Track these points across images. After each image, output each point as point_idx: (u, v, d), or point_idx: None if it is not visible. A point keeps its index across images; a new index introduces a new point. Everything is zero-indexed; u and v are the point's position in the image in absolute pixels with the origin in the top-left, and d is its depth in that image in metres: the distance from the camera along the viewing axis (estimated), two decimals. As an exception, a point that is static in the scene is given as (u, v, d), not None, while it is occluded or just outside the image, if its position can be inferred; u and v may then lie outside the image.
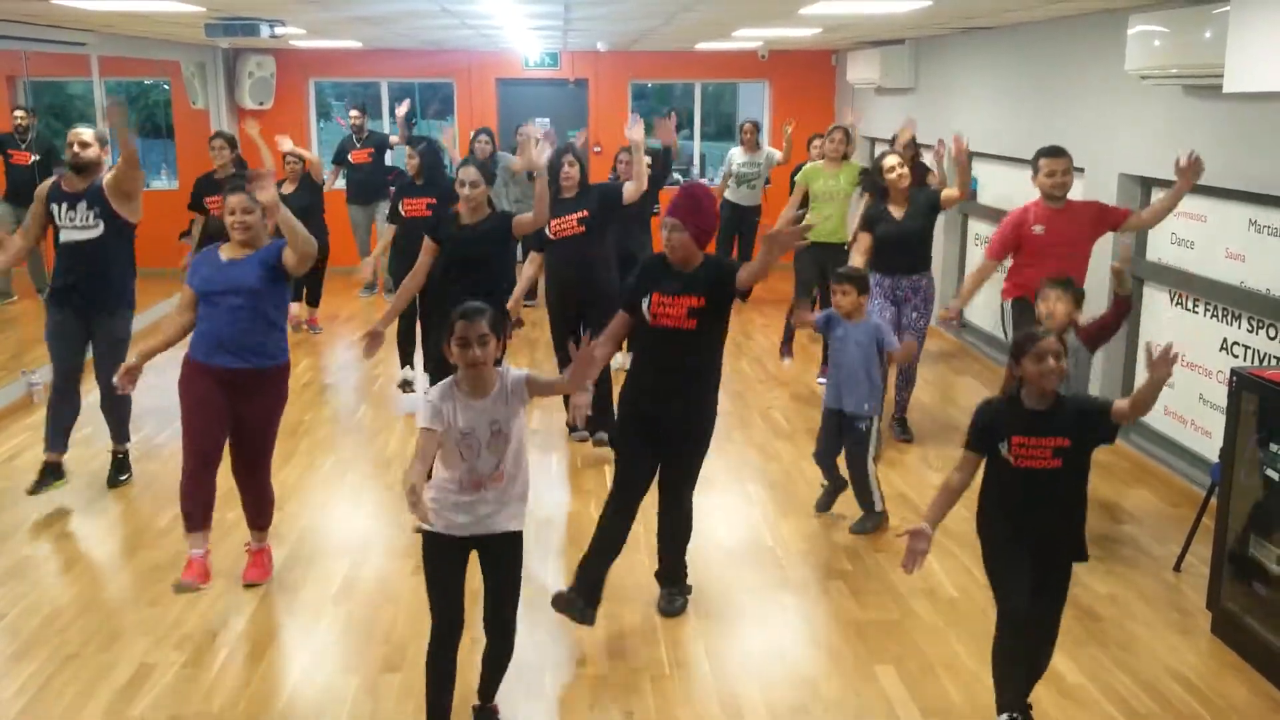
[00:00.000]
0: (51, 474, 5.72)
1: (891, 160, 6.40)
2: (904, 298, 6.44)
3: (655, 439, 4.28)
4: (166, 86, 12.97)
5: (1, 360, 8.23)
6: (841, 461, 5.35)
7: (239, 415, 4.54)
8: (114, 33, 9.00)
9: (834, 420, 5.30)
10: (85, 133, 5.58)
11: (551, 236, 6.27)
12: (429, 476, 3.36)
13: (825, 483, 5.48)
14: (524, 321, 5.25)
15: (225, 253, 4.52)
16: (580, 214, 6.24)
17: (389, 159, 11.01)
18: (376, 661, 4.08)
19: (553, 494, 5.89)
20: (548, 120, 12.53)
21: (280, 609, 4.54)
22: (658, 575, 4.56)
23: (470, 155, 8.34)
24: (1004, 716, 3.39)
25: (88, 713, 3.74)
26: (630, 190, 6.22)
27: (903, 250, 6.37)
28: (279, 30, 7.75)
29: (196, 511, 4.65)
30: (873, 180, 6.62)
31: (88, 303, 5.58)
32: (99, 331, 5.64)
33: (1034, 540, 3.42)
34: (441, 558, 3.42)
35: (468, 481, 3.35)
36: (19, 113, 9.37)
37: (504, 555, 3.47)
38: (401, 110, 9.79)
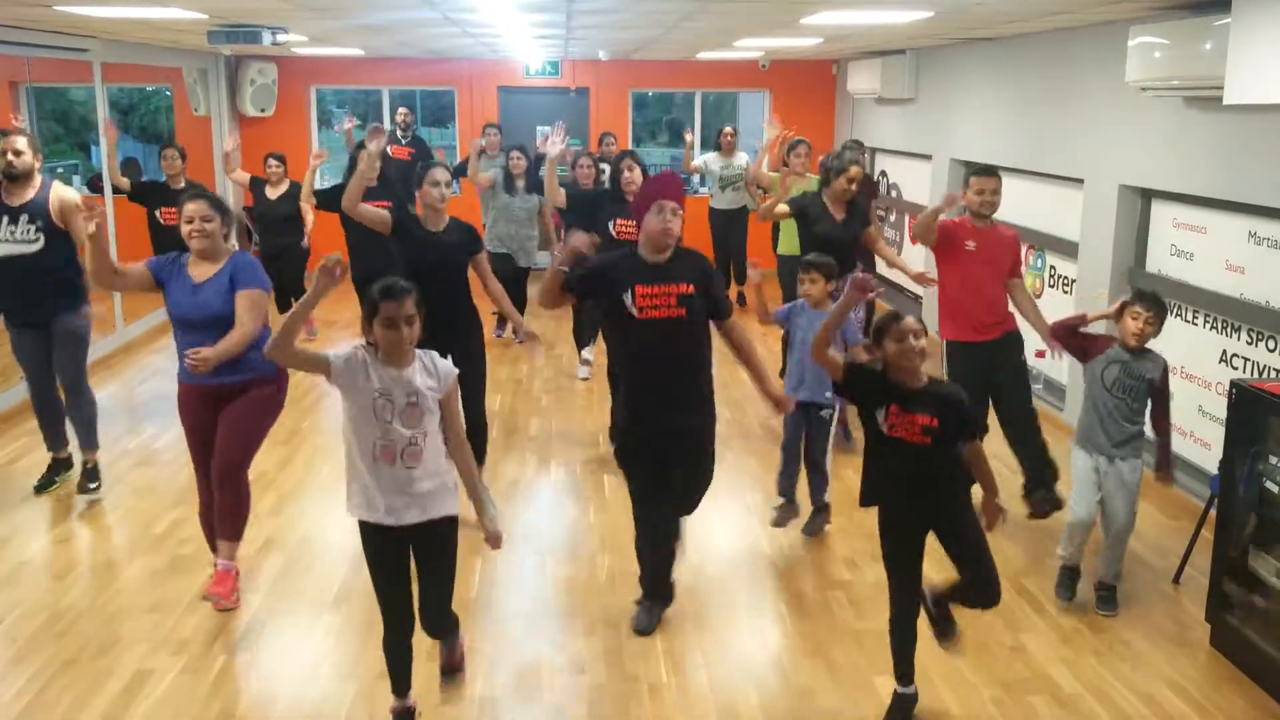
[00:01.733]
0: (60, 468, 5.77)
1: (857, 170, 6.35)
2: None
3: (664, 456, 4.21)
4: (168, 93, 13.01)
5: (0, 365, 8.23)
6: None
7: (222, 418, 4.41)
8: (117, 39, 9.01)
9: (800, 412, 5.17)
10: (18, 140, 5.38)
11: (615, 236, 6.32)
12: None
13: (780, 498, 5.32)
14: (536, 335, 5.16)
15: (192, 268, 4.33)
16: (627, 222, 6.26)
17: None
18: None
19: (551, 502, 5.88)
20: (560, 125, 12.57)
21: (278, 615, 4.53)
22: (643, 583, 4.44)
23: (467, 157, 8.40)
24: (909, 688, 3.76)
25: (84, 718, 3.74)
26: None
27: (840, 253, 6.26)
28: (281, 38, 7.76)
29: (212, 538, 4.61)
30: (827, 176, 6.37)
31: (40, 311, 5.47)
32: (56, 330, 5.54)
33: (920, 512, 3.60)
34: (381, 547, 3.42)
35: (381, 450, 3.28)
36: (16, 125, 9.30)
37: (437, 541, 3.44)
38: (348, 125, 9.37)
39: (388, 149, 10.44)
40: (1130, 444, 4.49)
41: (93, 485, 5.75)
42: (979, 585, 3.65)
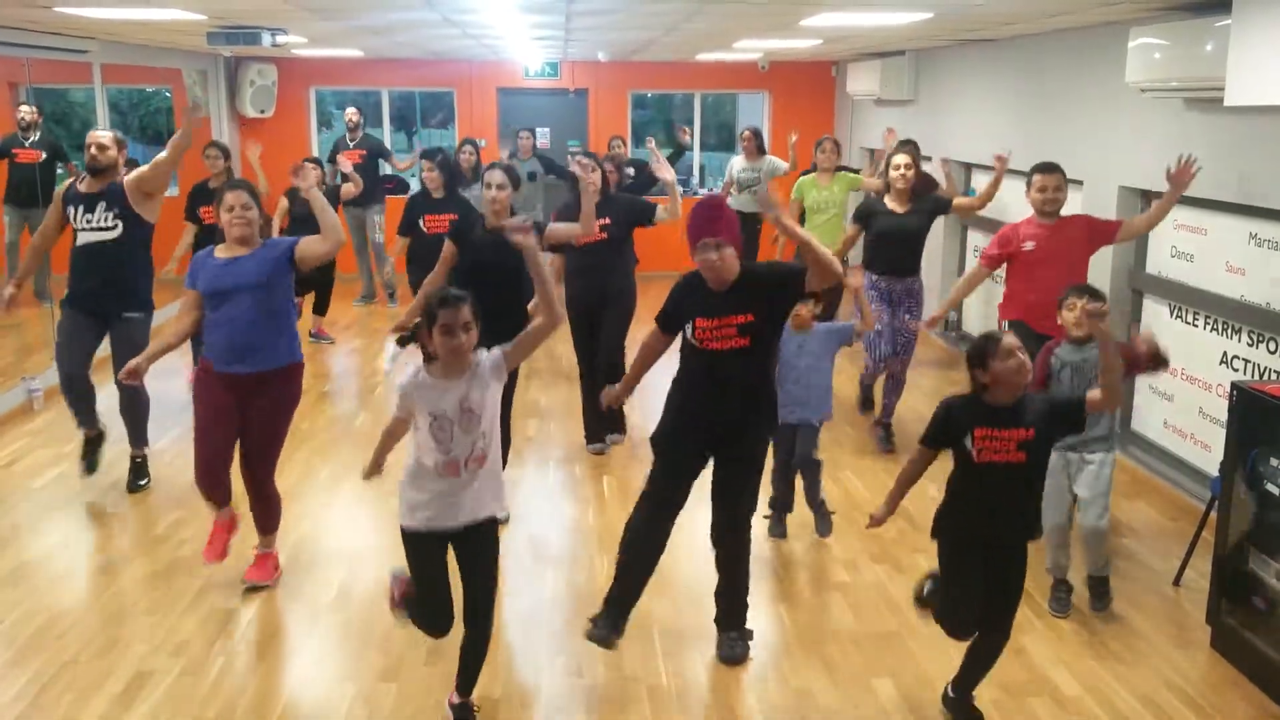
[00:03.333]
0: (97, 444, 5.82)
1: (901, 158, 6.45)
2: (898, 300, 6.49)
3: (705, 446, 4.06)
4: (168, 94, 13.01)
5: (2, 365, 8.23)
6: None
7: (247, 415, 4.50)
8: (116, 40, 9.01)
9: (788, 433, 5.11)
10: (103, 135, 5.56)
11: (574, 243, 6.14)
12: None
13: (770, 509, 5.28)
14: None
15: (222, 252, 4.45)
16: (603, 221, 6.12)
17: (383, 168, 11.04)
18: (373, 670, 4.07)
19: (550, 503, 5.87)
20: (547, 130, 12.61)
21: (277, 616, 4.52)
22: (716, 619, 4.24)
23: (494, 161, 8.38)
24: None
25: (84, 719, 3.74)
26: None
27: (900, 247, 6.39)
28: (280, 39, 7.76)
29: (215, 495, 4.63)
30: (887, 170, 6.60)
31: (106, 304, 5.55)
32: (117, 334, 5.60)
33: (989, 539, 3.52)
34: (425, 555, 3.46)
35: (444, 467, 3.36)
36: (24, 109, 9.34)
37: (482, 544, 3.48)
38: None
39: (337, 156, 10.47)
40: (1099, 439, 4.46)
41: (141, 482, 5.84)
42: (999, 637, 3.62)
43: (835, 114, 12.61)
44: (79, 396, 5.71)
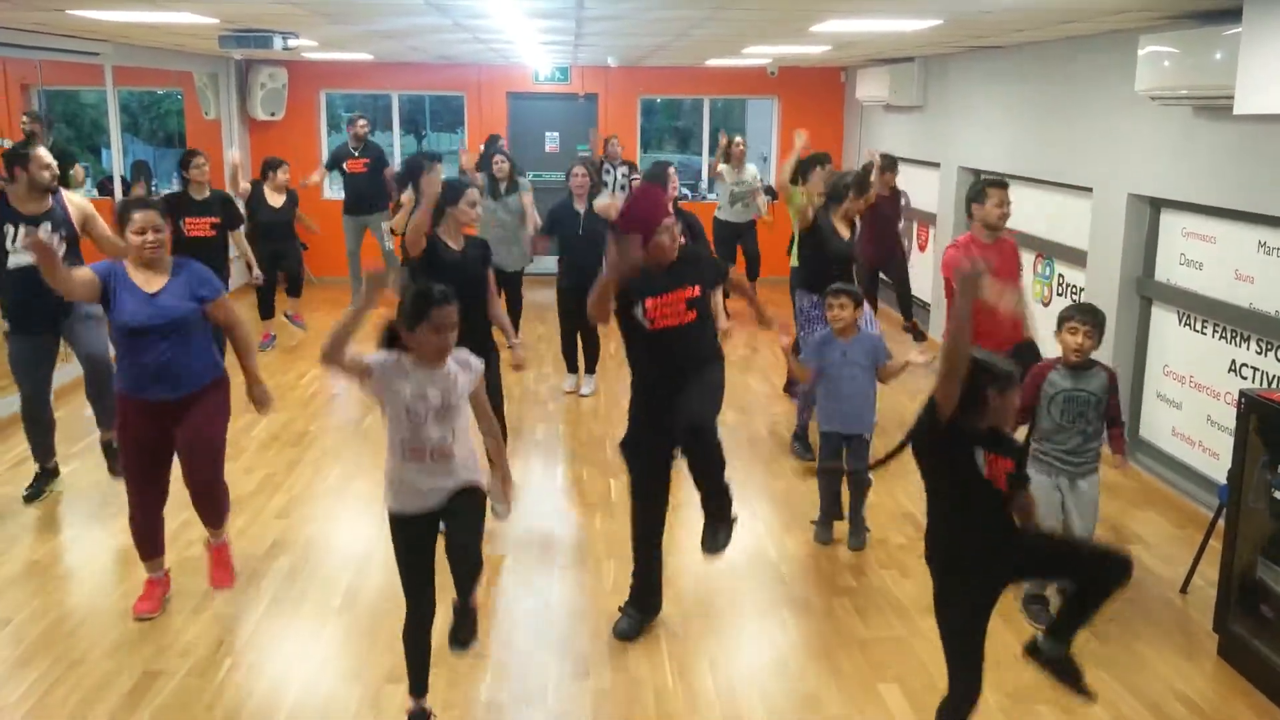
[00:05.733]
0: (48, 478, 5.78)
1: (874, 194, 6.48)
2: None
3: (666, 420, 4.07)
4: (179, 97, 13.05)
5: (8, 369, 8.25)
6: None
7: (180, 433, 4.36)
8: (128, 43, 9.05)
9: (836, 442, 5.21)
10: (47, 154, 5.37)
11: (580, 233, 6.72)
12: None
13: (819, 515, 5.33)
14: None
15: (136, 277, 4.22)
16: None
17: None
18: (380, 672, 4.07)
19: (557, 506, 5.88)
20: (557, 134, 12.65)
21: (284, 618, 4.53)
22: (704, 506, 4.23)
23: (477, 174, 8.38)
24: None
25: (91, 719, 3.74)
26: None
27: (846, 272, 6.27)
28: (291, 42, 7.78)
29: (146, 546, 4.53)
30: (838, 190, 6.37)
31: (55, 317, 5.44)
32: (68, 323, 5.52)
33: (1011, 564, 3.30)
34: (409, 536, 3.50)
35: (409, 449, 3.40)
36: (25, 119, 9.29)
37: (465, 503, 3.49)
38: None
39: (343, 165, 10.49)
40: (1090, 462, 4.41)
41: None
42: (1102, 565, 3.19)
43: (844, 120, 12.61)
44: (40, 424, 5.67)
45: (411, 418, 3.37)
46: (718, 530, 4.22)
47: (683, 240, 4.29)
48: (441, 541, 3.53)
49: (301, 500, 5.83)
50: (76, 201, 5.54)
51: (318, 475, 6.22)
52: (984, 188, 5.36)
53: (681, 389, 4.05)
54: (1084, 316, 4.34)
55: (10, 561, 5.01)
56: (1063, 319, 4.39)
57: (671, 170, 6.87)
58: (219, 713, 3.81)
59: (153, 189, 11.74)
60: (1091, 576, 3.20)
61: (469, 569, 3.50)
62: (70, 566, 5.04)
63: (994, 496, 3.12)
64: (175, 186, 8.33)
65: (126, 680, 3.99)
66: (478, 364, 3.55)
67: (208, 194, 7.50)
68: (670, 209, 4.15)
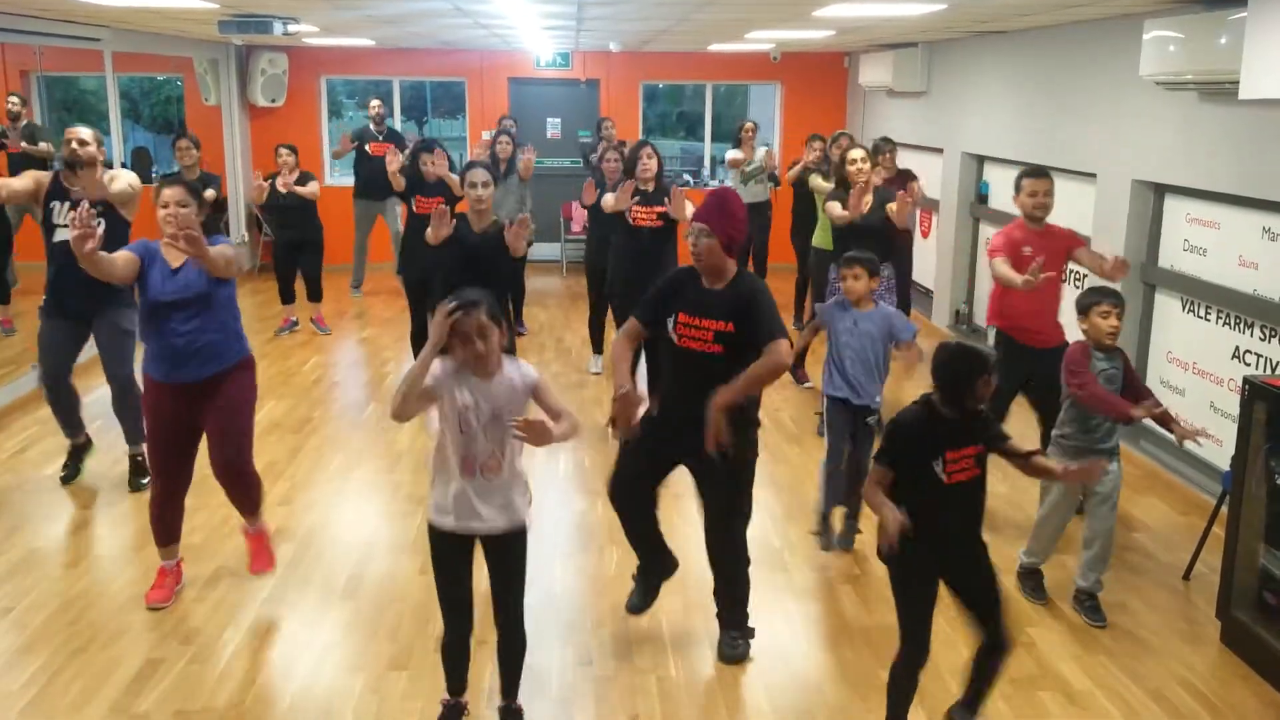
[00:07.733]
0: (81, 453, 5.81)
1: (856, 153, 6.63)
2: None
3: (672, 443, 3.93)
4: (179, 82, 13.02)
5: (11, 354, 8.26)
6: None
7: (208, 419, 4.36)
8: (128, 28, 9.02)
9: (844, 413, 5.02)
10: (83, 131, 5.40)
11: (631, 222, 6.67)
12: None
13: (822, 518, 5.18)
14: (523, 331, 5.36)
15: (170, 256, 4.24)
16: (661, 208, 6.59)
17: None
18: (382, 659, 4.08)
19: (560, 495, 5.88)
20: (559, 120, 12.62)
21: (287, 605, 4.54)
22: (718, 615, 4.21)
23: (476, 158, 8.41)
24: None
25: (94, 707, 3.75)
26: (609, 202, 6.79)
27: (863, 243, 6.26)
28: (292, 28, 7.76)
29: (164, 533, 4.52)
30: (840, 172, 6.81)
31: (88, 303, 5.43)
32: (101, 327, 5.52)
33: (947, 558, 3.39)
34: (448, 554, 3.43)
35: (461, 463, 3.31)
36: (12, 100, 9.23)
37: (509, 551, 3.44)
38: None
39: (366, 146, 10.46)
40: (1116, 445, 4.41)
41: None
42: (999, 630, 3.42)
43: (848, 105, 12.57)
44: (62, 403, 5.68)
45: (464, 428, 3.27)
46: (736, 641, 4.14)
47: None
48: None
49: (303, 487, 5.83)
50: (121, 183, 5.42)
51: (320, 463, 6.22)
52: (1020, 178, 5.35)
53: (696, 414, 3.76)
54: (1114, 299, 4.35)
55: (13, 549, 5.02)
56: (1091, 304, 4.37)
57: (644, 152, 6.80)
58: (221, 699, 3.81)
59: (152, 175, 11.73)
60: (989, 634, 3.44)
61: (514, 651, 3.51)
62: (72, 555, 5.04)
63: (950, 495, 3.26)
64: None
65: (129, 667, 4.00)
66: (527, 372, 3.40)
67: (198, 176, 7.65)
68: (716, 219, 3.79)
